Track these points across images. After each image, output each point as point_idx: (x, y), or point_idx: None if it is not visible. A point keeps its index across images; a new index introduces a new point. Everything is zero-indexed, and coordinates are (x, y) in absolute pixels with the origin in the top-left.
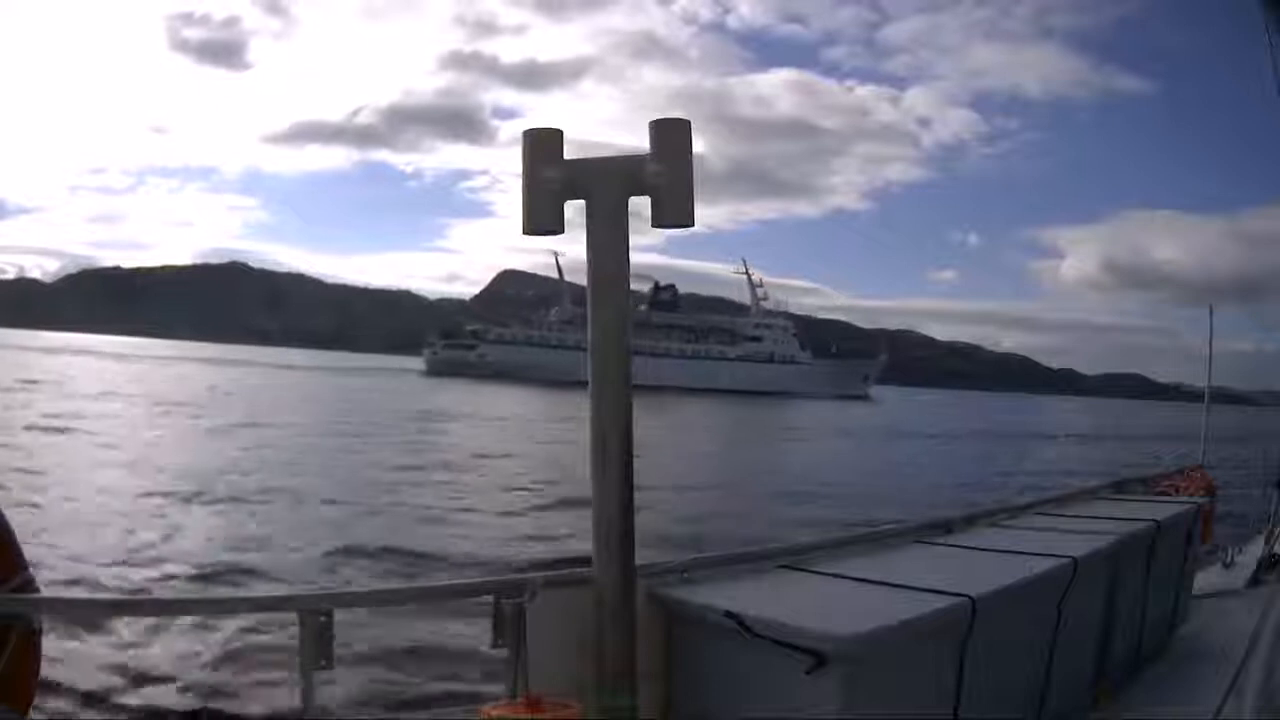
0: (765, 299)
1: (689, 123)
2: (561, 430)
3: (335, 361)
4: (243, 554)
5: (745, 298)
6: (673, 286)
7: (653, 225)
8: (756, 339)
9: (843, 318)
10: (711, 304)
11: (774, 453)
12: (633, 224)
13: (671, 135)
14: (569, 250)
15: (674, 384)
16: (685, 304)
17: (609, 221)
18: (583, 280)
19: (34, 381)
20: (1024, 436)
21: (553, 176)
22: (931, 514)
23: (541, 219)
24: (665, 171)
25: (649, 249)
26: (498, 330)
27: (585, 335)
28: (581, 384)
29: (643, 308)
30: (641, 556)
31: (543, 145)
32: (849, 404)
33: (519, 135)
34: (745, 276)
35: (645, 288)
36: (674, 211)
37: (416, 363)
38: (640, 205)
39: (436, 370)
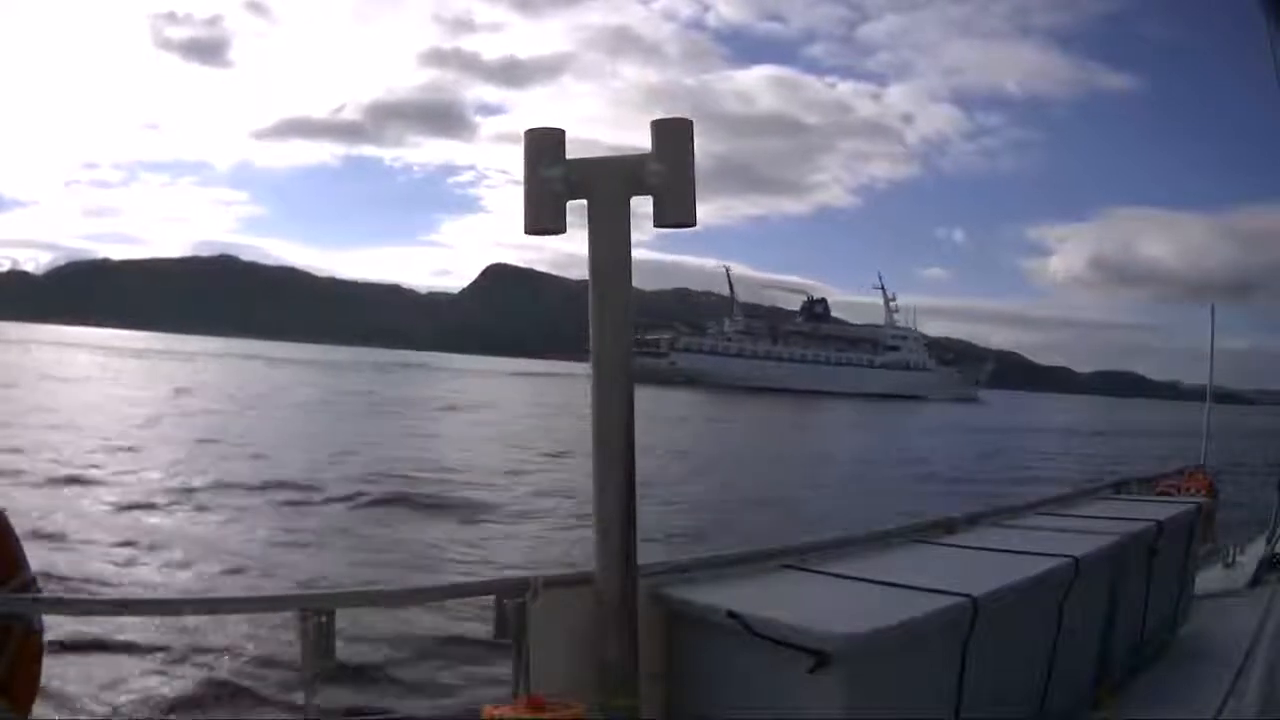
0: (897, 311)
1: (690, 122)
2: None
3: (477, 364)
4: None
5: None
6: (824, 300)
7: (655, 225)
8: (894, 349)
9: (836, 314)
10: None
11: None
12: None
13: (672, 135)
14: (569, 249)
15: (827, 389)
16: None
17: (610, 221)
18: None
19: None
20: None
21: (554, 176)
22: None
23: (543, 218)
24: (666, 171)
25: (635, 245)
26: (685, 339)
27: (759, 344)
28: (753, 389)
29: (798, 320)
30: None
31: (544, 145)
32: (965, 405)
33: (501, 131)
34: (880, 290)
35: (796, 304)
36: (676, 211)
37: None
38: (641, 204)
39: None
